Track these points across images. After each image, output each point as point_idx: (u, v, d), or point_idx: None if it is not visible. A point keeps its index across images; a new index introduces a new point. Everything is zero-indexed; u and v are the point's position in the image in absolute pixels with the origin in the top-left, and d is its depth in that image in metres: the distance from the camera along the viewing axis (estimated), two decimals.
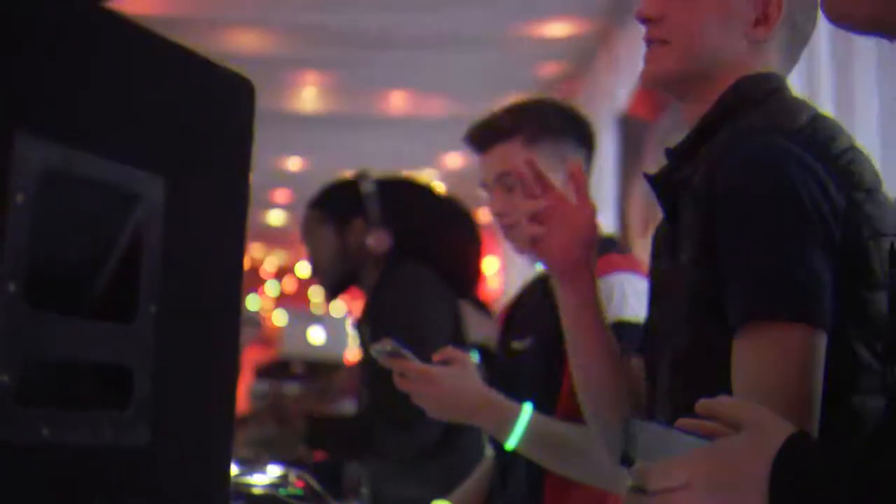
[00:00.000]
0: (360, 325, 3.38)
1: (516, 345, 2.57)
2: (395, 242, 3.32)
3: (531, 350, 2.53)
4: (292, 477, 3.13)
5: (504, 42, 6.50)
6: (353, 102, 7.88)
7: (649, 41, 1.92)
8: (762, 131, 1.76)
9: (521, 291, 2.74)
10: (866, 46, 3.00)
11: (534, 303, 2.61)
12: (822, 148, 1.70)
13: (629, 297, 2.38)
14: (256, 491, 3.01)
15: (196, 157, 0.93)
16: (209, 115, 0.95)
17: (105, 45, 0.85)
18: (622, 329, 2.27)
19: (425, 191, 3.51)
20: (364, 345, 3.33)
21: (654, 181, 1.92)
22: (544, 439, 2.39)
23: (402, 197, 3.44)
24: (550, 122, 2.62)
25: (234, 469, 3.25)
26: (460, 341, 3.19)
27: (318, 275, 3.47)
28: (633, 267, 2.47)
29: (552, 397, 2.44)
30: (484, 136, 2.62)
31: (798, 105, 1.83)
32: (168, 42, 0.90)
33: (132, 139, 0.87)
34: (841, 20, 1.40)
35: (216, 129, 0.96)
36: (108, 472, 0.85)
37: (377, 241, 3.32)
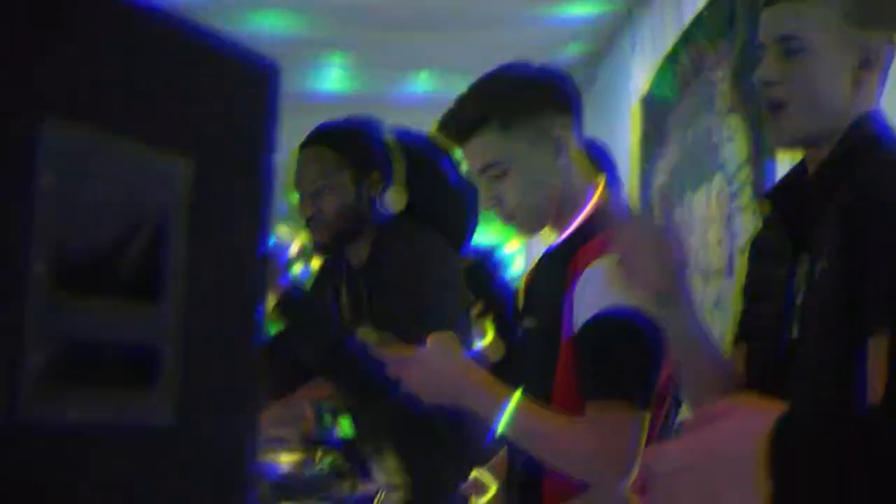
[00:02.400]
0: (353, 282, 3.16)
1: (526, 323, 2.53)
2: (411, 200, 3.10)
3: (535, 330, 2.48)
4: (319, 455, 3.15)
5: (529, 22, 6.49)
6: (378, 83, 7.89)
7: (769, 104, 2.06)
8: None
9: (533, 269, 2.66)
10: None
11: (541, 283, 2.56)
12: None
13: (620, 282, 2.24)
14: (283, 470, 3.03)
15: (221, 138, 0.94)
16: (234, 97, 0.96)
17: (129, 30, 0.85)
18: (614, 317, 2.29)
19: (440, 152, 3.22)
20: (359, 304, 3.14)
21: (781, 197, 2.11)
22: (529, 427, 2.33)
23: (425, 156, 3.17)
24: (523, 99, 2.46)
25: (260, 447, 3.27)
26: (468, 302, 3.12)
27: (319, 223, 3.11)
28: None
29: (549, 379, 2.40)
30: (456, 131, 2.49)
31: None
32: (193, 24, 0.90)
33: (158, 121, 0.87)
34: None
35: (241, 110, 0.96)
36: (135, 451, 0.86)
37: (395, 199, 3.10)
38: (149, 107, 0.87)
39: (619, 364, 2.30)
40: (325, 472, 3.10)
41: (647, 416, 2.30)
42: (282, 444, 3.68)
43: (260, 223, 0.98)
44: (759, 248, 2.19)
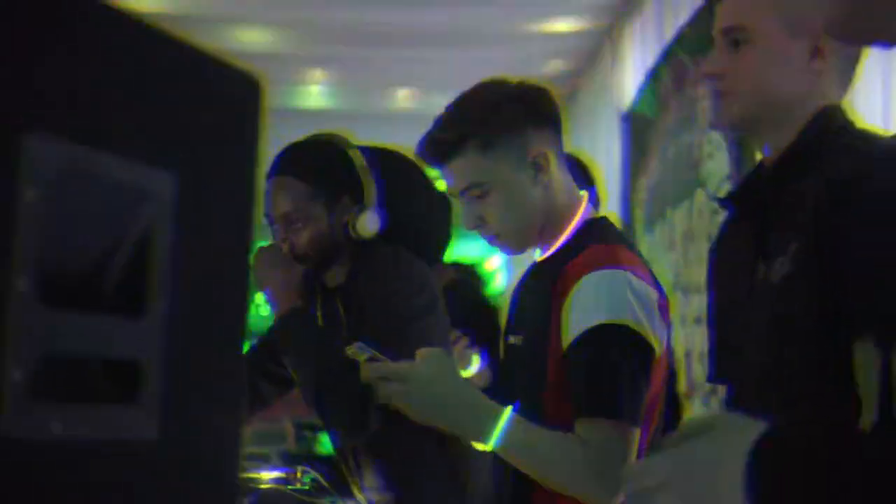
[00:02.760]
0: (328, 303, 3.11)
1: (513, 339, 2.52)
2: (384, 225, 3.02)
3: (522, 347, 2.47)
4: (300, 472, 3.14)
5: (510, 39, 6.51)
6: (359, 100, 7.90)
7: (714, 94, 2.07)
8: (877, 168, 1.82)
9: (519, 285, 2.65)
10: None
11: (525, 298, 2.56)
12: None
13: (612, 297, 2.30)
14: (265, 486, 3.02)
15: (205, 153, 0.94)
16: (218, 112, 0.96)
17: (114, 43, 0.85)
18: (604, 333, 2.28)
19: (411, 166, 3.12)
20: (335, 325, 3.07)
21: (739, 200, 2.09)
22: (520, 444, 2.32)
23: (395, 173, 3.08)
24: (501, 118, 2.43)
25: (243, 464, 3.26)
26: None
27: (293, 255, 3.01)
28: (617, 261, 2.35)
29: (539, 396, 2.39)
30: (435, 154, 2.46)
31: (871, 133, 2.02)
32: (176, 39, 0.90)
33: (142, 136, 0.87)
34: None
35: (225, 125, 0.96)
36: (118, 466, 0.86)
37: (368, 223, 3.01)
38: (133, 120, 0.86)
39: (611, 381, 2.29)
40: (306, 488, 3.09)
41: (638, 432, 2.30)
42: (263, 460, 3.67)
43: (244, 237, 0.97)
44: (721, 255, 2.16)
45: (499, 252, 2.56)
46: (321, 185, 3.01)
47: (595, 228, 2.46)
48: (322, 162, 3.06)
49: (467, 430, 2.38)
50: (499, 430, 2.28)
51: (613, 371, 2.28)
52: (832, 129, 1.99)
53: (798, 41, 2.01)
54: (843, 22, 1.36)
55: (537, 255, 2.53)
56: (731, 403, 2.00)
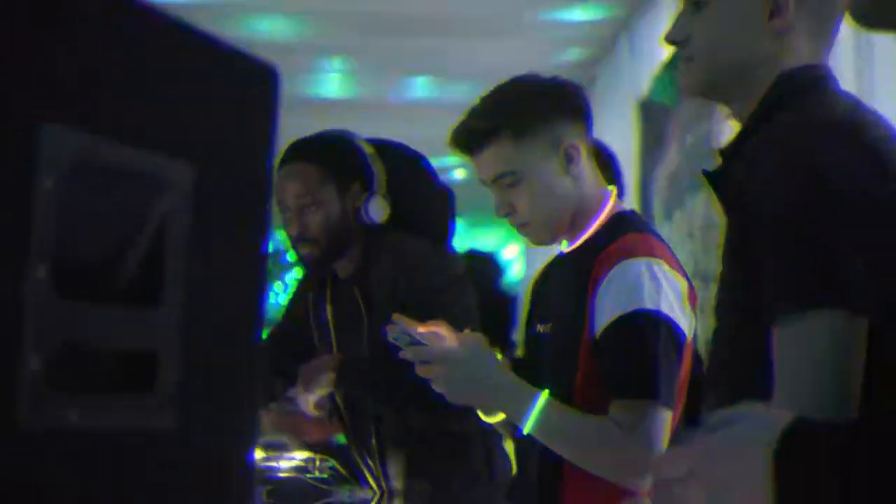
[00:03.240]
0: (341, 294, 3.15)
1: (540, 328, 2.55)
2: (391, 212, 3.07)
3: (551, 335, 2.50)
4: (318, 461, 3.14)
5: (527, 28, 6.50)
6: (376, 89, 7.90)
7: (681, 60, 1.97)
8: (793, 127, 1.77)
9: (543, 273, 2.69)
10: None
11: (552, 287, 2.59)
12: (855, 138, 1.71)
13: (644, 285, 2.36)
14: (283, 475, 3.03)
15: (221, 143, 0.94)
16: (234, 102, 0.96)
17: (130, 33, 0.85)
18: (639, 319, 2.33)
19: (414, 158, 3.22)
20: (350, 315, 3.12)
21: (710, 179, 1.98)
22: (557, 427, 2.37)
23: (399, 163, 3.15)
24: (535, 109, 2.49)
25: (259, 454, 3.27)
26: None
27: (306, 240, 3.06)
28: (650, 251, 2.41)
29: (570, 383, 2.43)
30: (468, 143, 2.51)
31: (836, 98, 1.86)
32: (193, 28, 0.90)
33: (158, 126, 0.87)
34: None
35: (241, 115, 0.96)
36: (134, 456, 0.86)
37: (377, 209, 3.06)
38: (150, 110, 0.86)
39: (645, 363, 2.34)
40: (324, 476, 3.10)
41: (671, 415, 2.35)
42: (281, 448, 3.68)
43: (261, 228, 0.98)
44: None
45: (523, 241, 2.61)
46: (332, 169, 3.05)
47: (626, 219, 2.51)
48: (332, 148, 3.11)
49: (504, 411, 2.46)
50: (536, 413, 2.34)
51: (649, 354, 2.33)
52: (790, 93, 1.87)
53: (756, 1, 1.89)
54: (867, 7, 1.34)
55: (563, 246, 2.56)
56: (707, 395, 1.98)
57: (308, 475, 3.06)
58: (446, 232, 3.19)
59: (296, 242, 3.08)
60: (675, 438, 2.40)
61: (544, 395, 2.36)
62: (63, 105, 0.79)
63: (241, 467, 0.97)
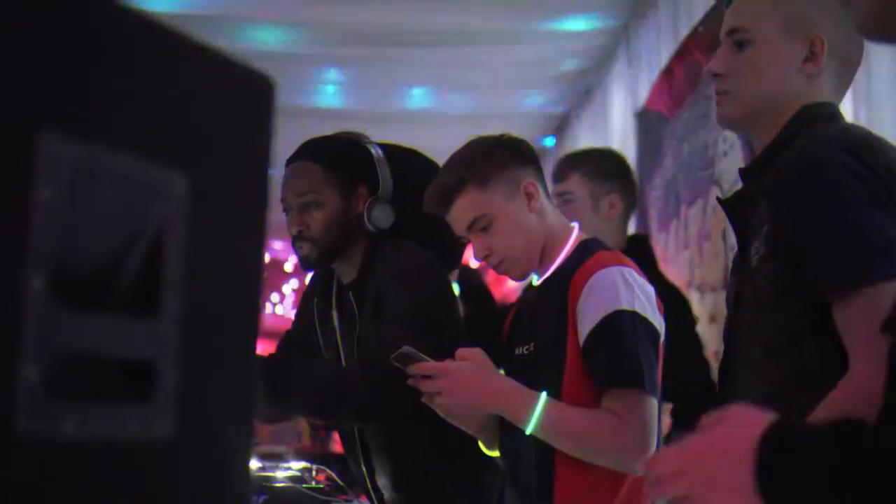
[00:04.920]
0: (343, 299, 3.13)
1: (519, 350, 2.76)
2: (398, 218, 3.08)
3: (534, 350, 2.72)
4: (314, 471, 3.14)
5: (525, 38, 6.50)
6: (374, 99, 7.89)
7: (717, 92, 2.24)
8: (815, 145, 2.04)
9: (520, 297, 2.95)
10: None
11: (532, 308, 2.79)
12: (867, 157, 1.98)
13: (621, 289, 2.59)
14: (279, 484, 3.03)
15: (218, 153, 0.94)
16: (231, 112, 0.96)
17: (127, 43, 0.85)
18: (620, 317, 2.57)
19: (427, 164, 3.19)
20: (350, 320, 3.09)
21: (727, 204, 2.28)
22: (559, 423, 2.59)
23: (409, 170, 3.13)
24: (493, 159, 2.76)
25: (256, 463, 3.27)
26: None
27: (307, 239, 3.05)
28: (621, 262, 2.67)
29: (558, 387, 2.63)
30: (441, 201, 2.77)
31: (850, 127, 2.17)
32: (190, 39, 0.91)
33: (155, 136, 0.87)
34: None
35: (238, 125, 0.97)
36: (132, 465, 0.86)
37: (383, 215, 3.07)
38: (147, 120, 0.87)
39: (633, 356, 2.56)
40: (320, 487, 3.10)
41: (656, 401, 2.59)
42: (278, 458, 3.67)
43: (257, 236, 0.98)
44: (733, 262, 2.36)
45: (509, 277, 2.85)
46: (337, 170, 3.05)
47: (593, 243, 2.78)
48: (339, 149, 3.11)
49: (506, 414, 2.65)
50: (538, 413, 2.56)
51: (634, 348, 2.57)
52: (808, 123, 2.12)
53: (795, 44, 2.16)
54: (877, 20, 1.38)
55: (534, 281, 2.79)
56: (725, 390, 2.15)
57: (305, 485, 3.06)
58: (451, 247, 3.17)
59: (295, 240, 3.07)
60: (671, 438, 2.59)
61: (542, 397, 2.56)
62: (61, 114, 0.79)
63: (238, 476, 0.97)
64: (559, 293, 2.65)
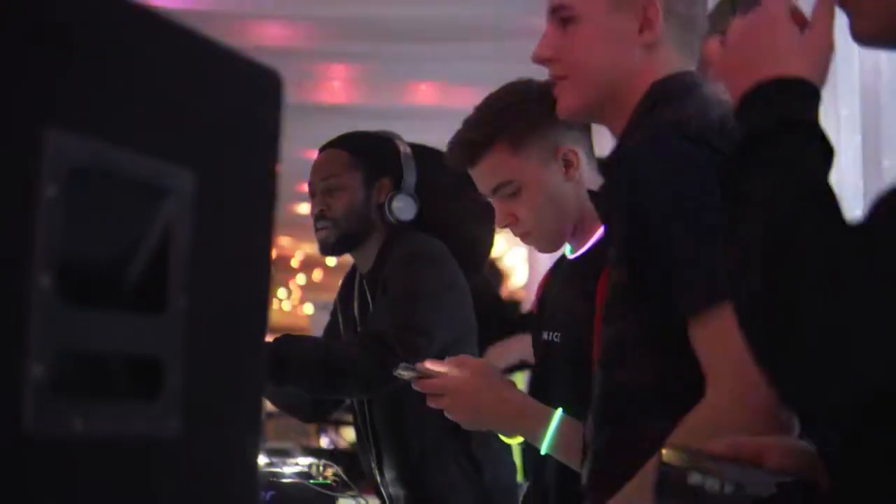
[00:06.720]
0: (361, 289, 3.16)
1: (546, 335, 2.51)
2: (419, 216, 3.12)
3: (560, 345, 2.47)
4: (322, 467, 3.14)
5: (529, 33, 6.49)
6: (380, 94, 7.89)
7: (554, 81, 1.99)
8: (649, 136, 1.83)
9: (548, 280, 2.65)
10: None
11: (558, 294, 2.55)
12: (716, 140, 1.73)
13: None
14: (286, 480, 3.03)
15: (225, 149, 0.94)
16: (238, 108, 0.96)
17: (133, 39, 0.85)
18: None
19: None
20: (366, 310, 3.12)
21: (592, 196, 2.07)
22: (574, 445, 2.29)
23: (434, 167, 3.12)
24: (531, 116, 2.43)
25: (263, 459, 3.26)
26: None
27: (326, 221, 3.12)
28: None
29: (582, 393, 2.42)
30: (465, 155, 2.47)
31: (707, 102, 1.86)
32: (197, 35, 0.90)
33: (162, 132, 0.87)
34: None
35: (245, 121, 0.96)
36: (140, 462, 0.86)
37: (404, 208, 3.12)
38: (154, 116, 0.86)
39: None
40: (328, 482, 3.10)
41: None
42: (285, 454, 3.68)
43: (265, 233, 0.98)
44: None
45: (527, 247, 2.59)
46: (362, 158, 3.14)
47: None
48: (367, 140, 3.21)
49: (521, 434, 2.42)
50: (551, 433, 2.31)
51: None
52: (662, 102, 1.89)
53: (624, 13, 1.92)
54: (877, 27, 1.33)
55: (568, 251, 2.53)
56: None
57: (312, 481, 3.06)
58: (476, 247, 3.19)
59: (316, 220, 3.14)
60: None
61: (556, 415, 2.33)
62: (67, 111, 0.79)
63: (246, 473, 0.97)
64: (589, 281, 2.27)
